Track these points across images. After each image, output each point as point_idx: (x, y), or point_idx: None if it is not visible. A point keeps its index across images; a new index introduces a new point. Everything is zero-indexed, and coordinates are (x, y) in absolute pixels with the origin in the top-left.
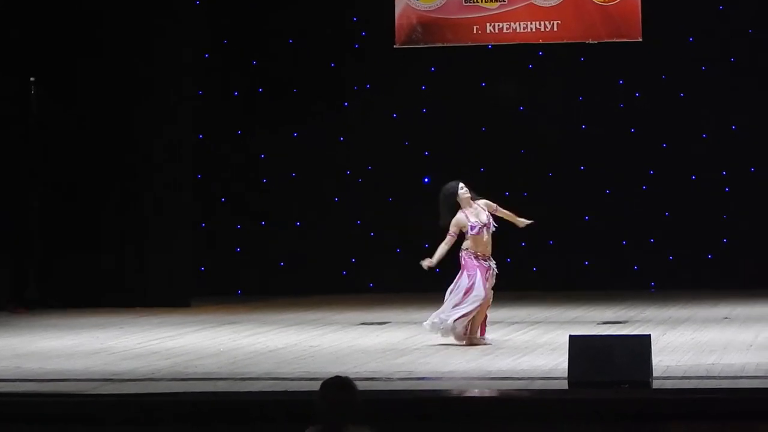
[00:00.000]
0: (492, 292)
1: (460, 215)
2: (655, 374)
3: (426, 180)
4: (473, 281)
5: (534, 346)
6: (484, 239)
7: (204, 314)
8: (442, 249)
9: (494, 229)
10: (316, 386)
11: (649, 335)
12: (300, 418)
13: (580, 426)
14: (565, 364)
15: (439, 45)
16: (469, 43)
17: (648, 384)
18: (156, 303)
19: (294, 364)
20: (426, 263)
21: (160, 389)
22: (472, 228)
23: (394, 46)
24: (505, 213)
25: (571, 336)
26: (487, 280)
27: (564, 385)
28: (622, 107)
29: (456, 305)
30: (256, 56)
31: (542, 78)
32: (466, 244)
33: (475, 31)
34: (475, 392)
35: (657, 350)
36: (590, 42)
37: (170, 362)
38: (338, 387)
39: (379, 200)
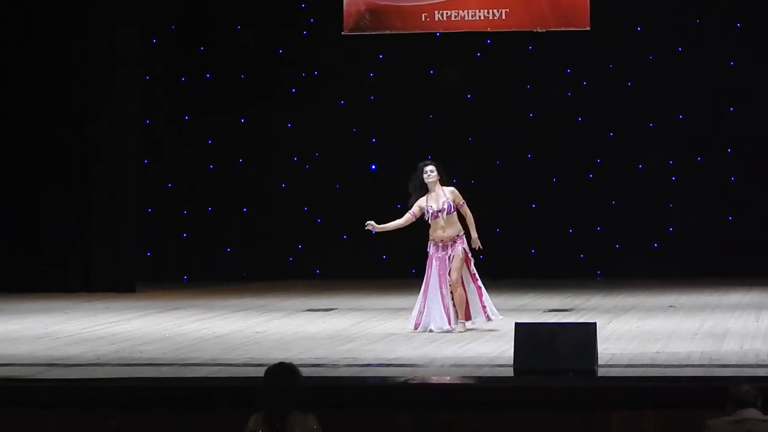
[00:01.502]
0: (455, 275)
1: (421, 199)
2: (600, 362)
3: (373, 167)
4: (426, 276)
5: (480, 333)
6: (439, 225)
7: (149, 300)
8: (394, 223)
9: (443, 217)
10: (261, 372)
11: (595, 323)
12: (245, 404)
13: (525, 413)
14: (511, 352)
15: (388, 32)
16: (418, 31)
17: (593, 372)
18: (101, 288)
19: (239, 350)
20: (369, 226)
21: (104, 374)
22: (427, 212)
23: (342, 33)
24: (466, 215)
25: (516, 324)
26: (442, 268)
27: (509, 372)
28: (570, 96)
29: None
30: (204, 42)
31: (490, 66)
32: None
33: (423, 19)
34: (420, 379)
35: (602, 338)
36: (538, 30)
37: (115, 347)
38: (282, 373)
39: (325, 187)
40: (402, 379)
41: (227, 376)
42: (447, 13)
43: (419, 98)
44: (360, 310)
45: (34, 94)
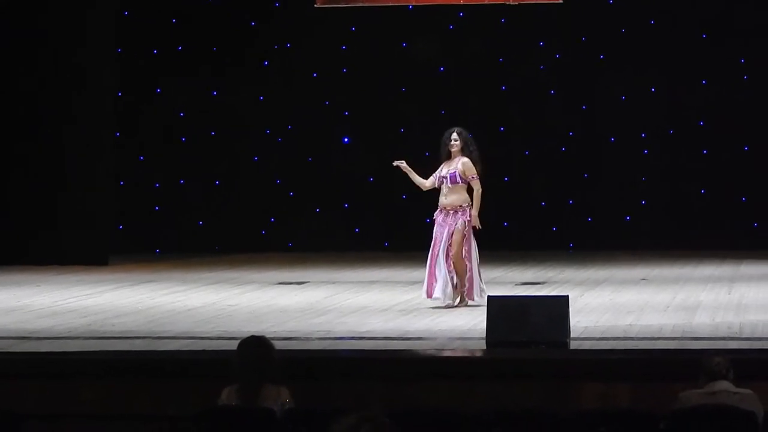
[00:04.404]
0: (455, 249)
1: (442, 166)
2: (572, 335)
3: (345, 140)
4: (432, 242)
5: (452, 306)
6: (443, 192)
7: (122, 273)
8: (419, 179)
9: (447, 185)
10: (233, 345)
11: (567, 296)
12: (218, 377)
13: (498, 386)
14: (484, 325)
15: (360, 5)
16: (390, 3)
17: (565, 344)
18: (74, 261)
19: (212, 323)
20: (399, 163)
21: (76, 347)
22: (435, 177)
23: (315, 6)
24: (474, 190)
25: (489, 296)
26: (440, 235)
27: (482, 345)
28: (543, 69)
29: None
30: (176, 14)
31: (463, 39)
32: None
33: None
34: (393, 352)
35: (575, 311)
36: (511, 3)
37: (87, 320)
38: (255, 346)
39: (298, 159)
40: (375, 352)
41: (200, 349)
42: None
43: (392, 71)
44: (332, 283)
45: (3, 66)
